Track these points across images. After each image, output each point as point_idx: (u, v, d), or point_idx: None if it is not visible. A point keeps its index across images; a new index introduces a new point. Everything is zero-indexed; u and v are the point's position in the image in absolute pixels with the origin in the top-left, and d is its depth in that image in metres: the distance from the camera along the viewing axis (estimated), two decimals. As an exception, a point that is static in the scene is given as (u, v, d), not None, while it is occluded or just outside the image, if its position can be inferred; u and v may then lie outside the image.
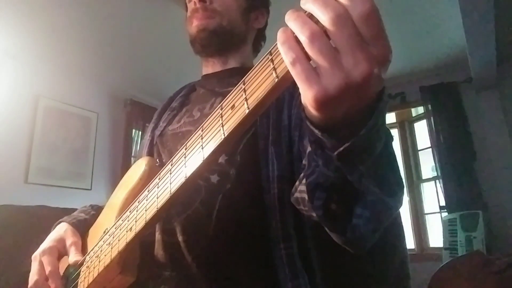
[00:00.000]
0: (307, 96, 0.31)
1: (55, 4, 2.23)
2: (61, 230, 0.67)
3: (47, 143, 2.86)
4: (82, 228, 0.69)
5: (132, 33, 2.61)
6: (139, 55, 2.91)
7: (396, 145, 3.55)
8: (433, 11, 2.40)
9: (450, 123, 2.98)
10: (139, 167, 0.63)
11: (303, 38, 0.30)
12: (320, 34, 0.30)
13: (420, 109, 3.37)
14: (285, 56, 0.32)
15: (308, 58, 0.31)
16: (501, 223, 2.70)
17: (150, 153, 0.76)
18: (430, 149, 3.16)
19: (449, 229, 2.75)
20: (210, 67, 0.77)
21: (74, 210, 0.80)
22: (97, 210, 0.76)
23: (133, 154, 3.39)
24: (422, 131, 3.37)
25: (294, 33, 0.32)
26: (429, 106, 3.13)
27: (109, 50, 2.82)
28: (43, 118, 2.86)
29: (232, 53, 0.76)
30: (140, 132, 3.50)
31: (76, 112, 3.11)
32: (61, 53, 2.82)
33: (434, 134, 3.06)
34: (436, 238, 3.11)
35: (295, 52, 0.31)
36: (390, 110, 3.44)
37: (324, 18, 0.29)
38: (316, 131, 0.36)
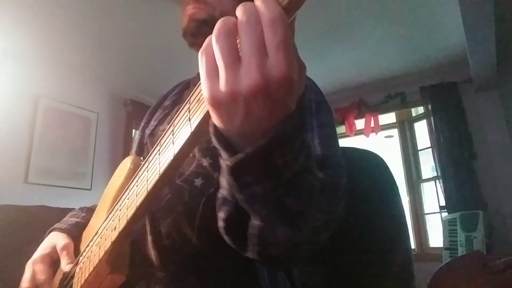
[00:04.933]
0: (204, 93, 0.32)
1: (55, 4, 2.24)
2: (52, 237, 0.67)
3: (47, 143, 2.86)
4: (74, 231, 0.69)
5: (132, 33, 2.61)
6: (139, 55, 2.91)
7: (396, 145, 3.55)
8: (433, 11, 2.40)
9: (450, 123, 2.98)
10: (124, 166, 0.62)
11: (214, 31, 0.30)
12: (227, 33, 0.30)
13: (420, 109, 3.37)
14: (203, 46, 0.32)
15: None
16: (501, 223, 2.70)
17: (139, 152, 0.75)
18: (430, 149, 3.16)
19: (449, 229, 2.75)
20: None
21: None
22: (87, 212, 0.76)
23: (133, 154, 3.38)
24: (422, 131, 3.37)
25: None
26: (429, 106, 3.13)
27: (109, 50, 2.83)
28: (43, 118, 2.86)
29: None
30: (140, 132, 3.50)
31: (76, 112, 3.11)
32: (61, 53, 2.82)
33: (434, 134, 3.06)
34: (436, 238, 3.11)
35: (206, 43, 0.31)
36: (390, 110, 3.45)
37: (239, 18, 0.30)
38: (213, 138, 0.35)
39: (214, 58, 0.31)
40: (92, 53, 2.87)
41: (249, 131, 0.32)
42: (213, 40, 0.30)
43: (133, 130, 3.52)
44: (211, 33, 0.73)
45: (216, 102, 0.31)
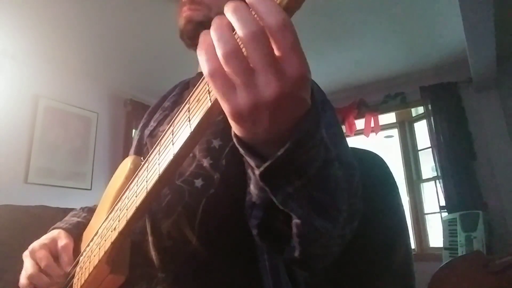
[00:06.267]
0: (224, 110, 0.31)
1: (54, 3, 2.24)
2: (54, 233, 0.67)
3: (47, 143, 2.86)
4: (76, 231, 0.69)
5: (132, 33, 2.61)
6: (139, 55, 2.91)
7: (396, 145, 3.55)
8: (433, 11, 2.40)
9: (450, 123, 2.98)
10: (125, 166, 0.62)
11: (219, 53, 0.29)
12: (236, 51, 0.29)
13: (420, 109, 3.37)
14: (203, 67, 0.31)
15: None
16: (501, 223, 2.70)
17: (138, 152, 0.75)
18: (430, 149, 3.16)
19: (449, 229, 2.75)
20: None
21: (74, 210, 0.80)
22: (88, 212, 0.76)
23: (133, 154, 3.38)
24: (422, 131, 3.37)
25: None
26: (429, 106, 3.13)
27: (109, 50, 2.83)
28: (43, 118, 2.86)
29: None
30: (140, 132, 3.50)
31: (76, 112, 3.11)
32: (61, 53, 2.82)
33: (434, 134, 3.06)
34: (436, 238, 3.11)
35: (213, 65, 0.30)
36: (390, 110, 3.45)
37: (241, 33, 0.29)
38: (240, 149, 0.35)
39: (227, 76, 0.30)
40: (92, 53, 2.87)
41: (274, 135, 0.32)
42: (222, 62, 0.30)
43: (133, 130, 3.52)
44: None
45: (240, 116, 0.31)
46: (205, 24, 0.67)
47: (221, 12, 0.74)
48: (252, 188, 0.43)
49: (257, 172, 0.35)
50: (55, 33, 2.55)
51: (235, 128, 0.34)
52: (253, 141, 0.34)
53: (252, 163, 0.35)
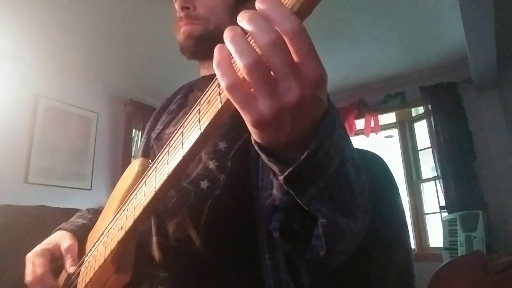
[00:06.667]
0: (246, 119, 0.32)
1: (54, 3, 2.24)
2: (58, 235, 0.67)
3: (47, 143, 2.86)
4: (80, 232, 0.69)
5: (132, 33, 2.61)
6: (139, 55, 2.91)
7: (396, 145, 3.55)
8: (433, 11, 2.40)
9: (450, 123, 2.98)
10: (132, 168, 0.63)
11: (240, 65, 0.29)
12: (258, 63, 0.29)
13: (420, 109, 3.38)
14: (221, 80, 0.31)
15: (244, 81, 0.31)
16: (501, 223, 2.70)
17: (145, 155, 0.76)
18: (430, 149, 3.16)
19: (449, 229, 2.75)
20: (207, 69, 0.76)
21: (74, 210, 0.80)
22: (93, 213, 0.76)
23: (133, 154, 3.39)
24: (422, 131, 3.37)
25: (230, 53, 0.31)
26: (429, 106, 3.13)
27: (109, 50, 2.83)
28: (43, 118, 2.87)
29: None
30: (140, 132, 3.51)
31: (76, 112, 3.12)
32: (60, 53, 2.82)
33: (434, 134, 3.07)
34: (436, 238, 3.11)
35: (231, 78, 0.31)
36: (390, 110, 3.45)
37: (262, 42, 0.29)
38: (263, 156, 0.36)
39: (246, 88, 0.31)
40: (92, 53, 2.87)
41: (295, 138, 0.33)
42: (244, 74, 0.30)
43: (133, 130, 3.52)
44: (209, 48, 0.75)
45: (263, 123, 0.31)
46: (205, 39, 0.68)
47: (219, 24, 0.74)
48: (275, 192, 0.44)
49: (281, 177, 0.36)
50: (55, 33, 2.55)
51: (256, 136, 0.34)
52: (275, 147, 0.34)
53: (275, 168, 0.36)
